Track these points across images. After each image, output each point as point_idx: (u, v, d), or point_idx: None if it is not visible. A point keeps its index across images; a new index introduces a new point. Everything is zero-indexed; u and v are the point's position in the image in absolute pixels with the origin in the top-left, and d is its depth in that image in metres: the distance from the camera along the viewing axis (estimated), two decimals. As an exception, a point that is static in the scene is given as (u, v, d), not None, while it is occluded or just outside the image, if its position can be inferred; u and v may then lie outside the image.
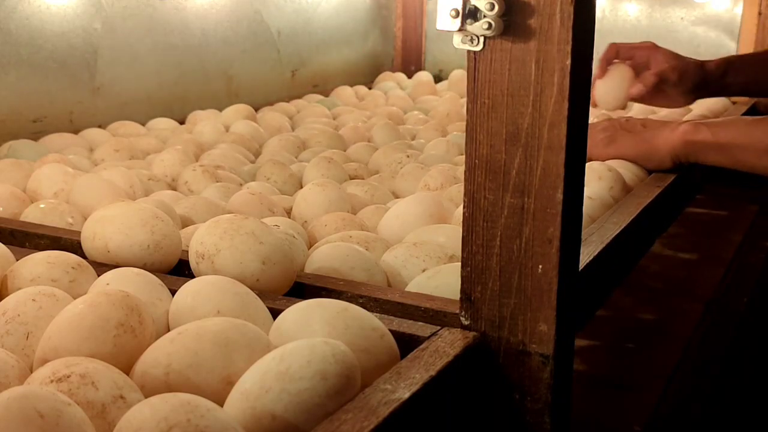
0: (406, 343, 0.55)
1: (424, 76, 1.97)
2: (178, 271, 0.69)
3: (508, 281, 0.54)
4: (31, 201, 0.90)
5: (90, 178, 0.93)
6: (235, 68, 1.63)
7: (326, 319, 0.54)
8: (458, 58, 2.01)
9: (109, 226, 0.68)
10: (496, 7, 0.49)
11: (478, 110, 0.52)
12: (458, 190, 0.92)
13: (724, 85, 1.21)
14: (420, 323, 0.58)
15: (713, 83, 1.20)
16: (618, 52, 1.21)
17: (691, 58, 1.22)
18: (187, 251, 0.67)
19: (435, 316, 0.59)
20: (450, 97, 1.66)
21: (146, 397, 0.46)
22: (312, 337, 0.51)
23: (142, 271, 0.62)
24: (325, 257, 0.70)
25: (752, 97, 1.48)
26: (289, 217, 0.87)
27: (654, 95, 1.17)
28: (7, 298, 0.58)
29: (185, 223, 0.83)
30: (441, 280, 0.66)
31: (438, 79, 2.00)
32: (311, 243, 0.79)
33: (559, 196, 0.51)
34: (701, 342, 0.96)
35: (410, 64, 2.12)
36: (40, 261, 0.64)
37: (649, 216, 0.90)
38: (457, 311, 0.56)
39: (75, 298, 0.56)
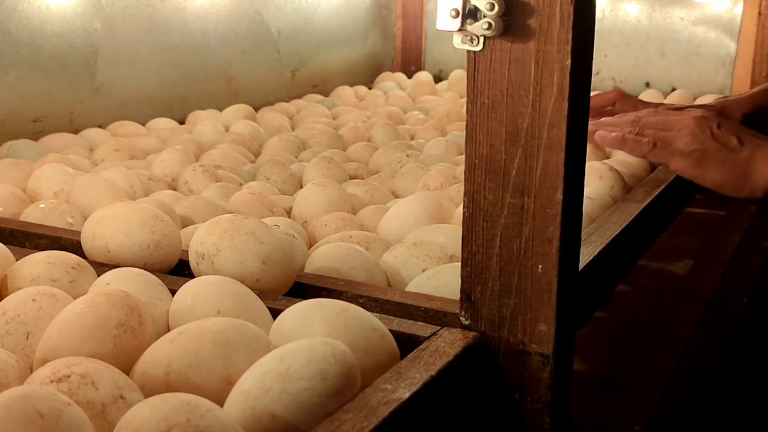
0: (406, 343, 0.55)
1: (424, 76, 1.97)
2: (178, 271, 0.69)
3: (508, 281, 0.54)
4: (31, 201, 0.90)
5: (90, 178, 0.93)
6: (235, 68, 1.63)
7: (326, 319, 0.54)
8: (458, 58, 2.01)
9: (109, 226, 0.68)
10: (496, 7, 0.49)
11: (477, 110, 0.52)
12: (458, 190, 0.92)
13: None
14: (420, 323, 0.58)
15: None
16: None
17: (658, 104, 1.08)
18: (187, 251, 0.67)
19: (435, 316, 0.59)
20: (450, 97, 1.66)
21: (146, 397, 0.46)
22: (312, 337, 0.51)
23: (142, 271, 0.62)
24: (325, 257, 0.70)
25: None
26: (289, 217, 0.87)
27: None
28: (7, 298, 0.58)
29: (185, 223, 0.83)
30: (441, 280, 0.66)
31: (438, 79, 2.00)
32: (311, 243, 0.79)
33: (559, 196, 0.51)
34: (701, 342, 0.96)
35: (410, 64, 2.12)
36: (40, 261, 0.64)
37: (649, 216, 0.90)
38: (457, 311, 0.56)
39: (75, 298, 0.56)
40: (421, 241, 0.74)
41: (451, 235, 0.76)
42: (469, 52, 0.52)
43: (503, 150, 0.52)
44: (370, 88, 1.86)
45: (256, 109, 1.50)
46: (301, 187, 0.98)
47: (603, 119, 1.00)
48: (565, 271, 0.53)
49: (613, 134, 0.93)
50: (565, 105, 0.50)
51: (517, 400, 0.55)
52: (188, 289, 0.59)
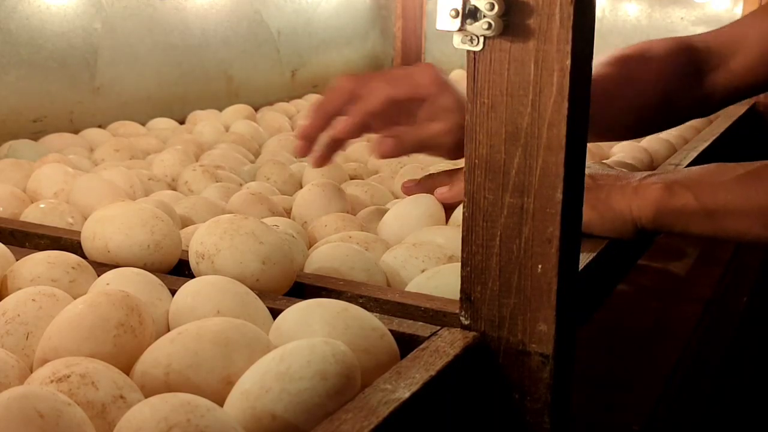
0: (406, 343, 0.55)
1: (424, 76, 1.97)
2: (178, 271, 0.69)
3: (508, 281, 0.54)
4: (31, 201, 0.90)
5: (90, 178, 0.93)
6: (235, 68, 1.63)
7: (326, 319, 0.54)
8: (458, 58, 2.01)
9: (109, 226, 0.68)
10: (496, 7, 0.49)
11: (477, 110, 0.52)
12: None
13: None
14: (420, 323, 0.58)
15: None
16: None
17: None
18: (187, 251, 0.67)
19: (435, 316, 0.59)
20: (450, 97, 1.66)
21: (146, 397, 0.46)
22: (312, 337, 0.51)
23: (142, 271, 0.62)
24: (325, 257, 0.70)
25: None
26: (289, 218, 0.87)
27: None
28: (7, 298, 0.58)
29: (185, 223, 0.83)
30: (440, 280, 0.66)
31: (438, 79, 2.00)
32: (311, 243, 0.79)
33: (559, 195, 0.51)
34: (701, 342, 0.96)
35: (410, 64, 2.12)
36: (40, 261, 0.64)
37: (648, 216, 0.90)
38: (457, 311, 0.56)
39: (75, 298, 0.56)
40: (420, 242, 0.74)
41: (450, 235, 0.76)
42: (469, 52, 0.52)
43: (503, 150, 0.52)
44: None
45: (256, 109, 1.50)
46: (301, 188, 0.98)
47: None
48: (565, 271, 0.53)
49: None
50: (565, 105, 0.50)
51: (517, 400, 0.55)
52: (188, 289, 0.59)
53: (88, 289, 0.62)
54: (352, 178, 1.06)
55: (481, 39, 0.51)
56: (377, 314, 0.58)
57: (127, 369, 0.51)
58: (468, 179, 0.54)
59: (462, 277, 0.55)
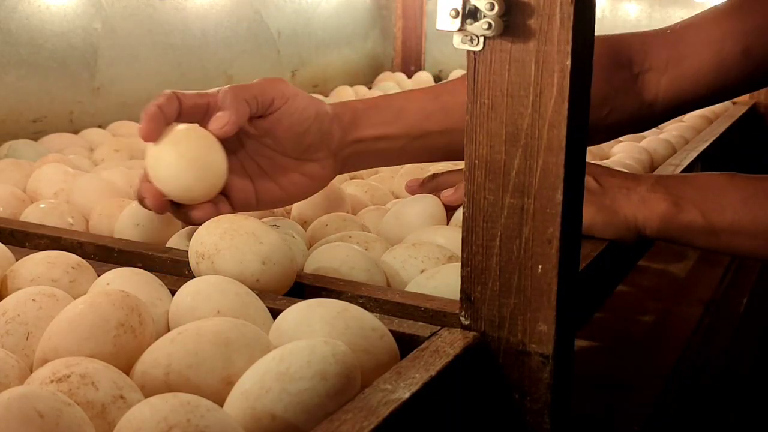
0: (406, 343, 0.55)
1: (424, 77, 1.97)
2: (178, 271, 0.69)
3: (508, 281, 0.54)
4: (31, 201, 0.90)
5: (90, 178, 0.93)
6: (235, 68, 1.63)
7: (326, 319, 0.54)
8: (458, 58, 2.02)
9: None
10: (496, 7, 0.49)
11: (477, 111, 0.53)
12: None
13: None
14: (420, 323, 0.58)
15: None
16: None
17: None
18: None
19: (435, 316, 0.59)
20: (450, 98, 1.66)
21: (146, 397, 0.46)
22: (312, 337, 0.51)
23: (142, 271, 0.62)
24: (325, 257, 0.70)
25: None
26: (289, 217, 0.87)
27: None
28: (7, 298, 0.58)
29: (185, 223, 0.83)
30: (440, 281, 0.66)
31: (438, 79, 2.00)
32: (311, 243, 0.79)
33: (559, 196, 0.51)
34: (701, 342, 0.96)
35: (410, 65, 2.12)
36: (40, 261, 0.64)
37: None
38: (457, 311, 0.56)
39: (75, 298, 0.56)
40: (420, 242, 0.74)
41: (450, 236, 0.76)
42: (469, 52, 0.52)
43: (503, 150, 0.52)
44: (370, 89, 1.86)
45: (256, 109, 1.50)
46: (301, 188, 0.98)
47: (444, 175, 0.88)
48: (565, 271, 0.53)
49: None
50: (565, 106, 0.50)
51: (517, 400, 0.55)
52: (188, 289, 0.59)
53: (88, 289, 0.62)
54: (352, 178, 1.06)
55: (481, 39, 0.51)
56: (377, 314, 0.58)
57: (127, 369, 0.51)
58: (468, 179, 0.54)
59: (462, 277, 0.55)
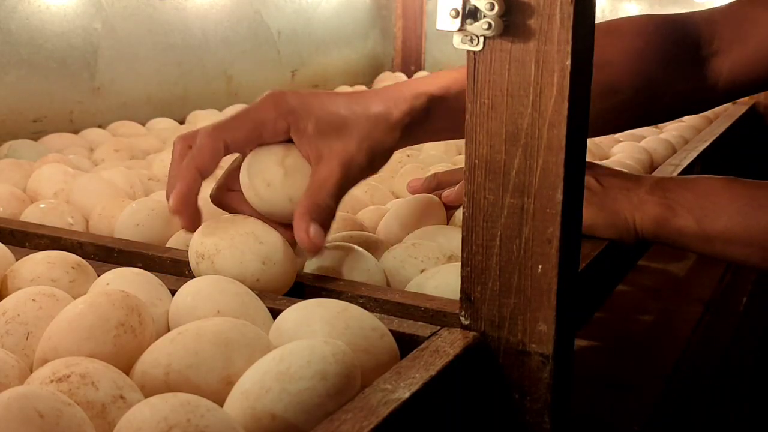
0: (406, 343, 0.55)
1: (424, 76, 1.97)
2: (179, 271, 0.69)
3: (508, 281, 0.54)
4: (31, 201, 0.90)
5: (90, 178, 0.94)
6: (235, 68, 1.63)
7: (326, 319, 0.54)
8: (458, 58, 2.01)
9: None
10: (496, 7, 0.49)
11: (477, 110, 0.53)
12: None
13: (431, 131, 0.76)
14: (420, 323, 0.58)
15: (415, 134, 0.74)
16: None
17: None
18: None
19: (435, 316, 0.59)
20: (450, 97, 1.66)
21: (146, 397, 0.46)
22: (312, 337, 0.51)
23: (142, 271, 0.62)
24: (325, 257, 0.70)
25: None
26: (289, 217, 0.87)
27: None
28: (7, 298, 0.58)
29: (185, 223, 0.83)
30: (440, 280, 0.66)
31: (438, 79, 2.00)
32: (311, 243, 0.79)
33: (559, 196, 0.51)
34: (701, 342, 0.96)
35: (410, 64, 2.12)
36: (40, 261, 0.64)
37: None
38: (457, 311, 0.56)
39: (75, 298, 0.56)
40: (420, 242, 0.74)
41: (450, 235, 0.76)
42: (469, 52, 0.52)
43: (503, 150, 0.52)
44: (370, 88, 1.86)
45: (256, 109, 1.50)
46: (301, 187, 0.98)
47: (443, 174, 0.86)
48: (565, 271, 0.53)
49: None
50: (565, 105, 0.50)
51: (517, 400, 0.55)
52: (188, 289, 0.59)
53: (88, 289, 0.62)
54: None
55: (481, 39, 0.51)
56: (377, 314, 0.58)
57: (127, 369, 0.51)
58: (468, 179, 0.54)
59: (462, 277, 0.55)
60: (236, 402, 0.46)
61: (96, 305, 0.53)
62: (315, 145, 0.69)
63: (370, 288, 0.64)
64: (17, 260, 0.65)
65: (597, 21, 0.53)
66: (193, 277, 0.64)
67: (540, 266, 0.52)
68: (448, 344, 0.53)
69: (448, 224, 0.82)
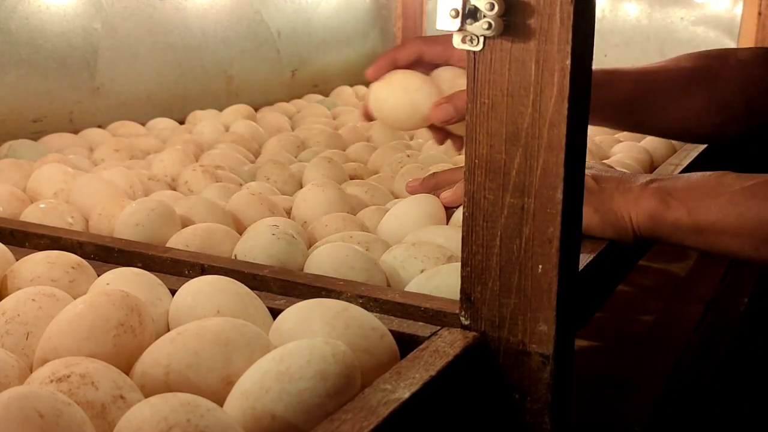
0: (406, 343, 0.55)
1: (423, 76, 1.97)
2: (179, 271, 0.69)
3: (508, 281, 0.54)
4: (31, 201, 0.90)
5: (90, 178, 0.93)
6: (235, 68, 1.63)
7: (326, 319, 0.54)
8: (458, 58, 2.01)
9: None
10: (496, 7, 0.49)
11: (477, 110, 0.52)
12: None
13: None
14: (420, 323, 0.58)
15: None
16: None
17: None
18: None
19: (435, 316, 0.59)
20: (450, 97, 1.66)
21: (146, 397, 0.46)
22: (312, 337, 0.51)
23: (142, 271, 0.62)
24: (325, 257, 0.70)
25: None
26: (289, 218, 0.87)
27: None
28: (7, 298, 0.58)
29: (185, 223, 0.83)
30: (441, 280, 0.66)
31: (438, 79, 2.00)
32: (311, 243, 0.79)
33: (559, 196, 0.51)
34: (701, 342, 0.96)
35: (410, 64, 2.12)
36: (40, 261, 0.64)
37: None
38: (457, 311, 0.56)
39: (75, 298, 0.56)
40: (420, 242, 0.74)
41: (450, 236, 0.76)
42: (469, 52, 0.52)
43: (503, 150, 0.52)
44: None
45: (256, 109, 1.50)
46: (301, 188, 0.98)
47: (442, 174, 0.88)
48: (565, 271, 0.53)
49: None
50: (565, 105, 0.50)
51: (517, 400, 0.55)
52: (188, 289, 0.59)
53: (88, 289, 0.62)
54: (352, 178, 1.06)
55: (481, 39, 0.51)
56: (377, 314, 0.58)
57: (127, 369, 0.51)
58: (468, 179, 0.54)
59: (462, 277, 0.55)
60: (236, 402, 0.46)
61: (96, 305, 0.53)
62: None
63: (370, 288, 0.64)
64: (17, 260, 0.65)
65: (597, 21, 0.52)
66: (192, 277, 0.64)
67: (540, 266, 0.52)
68: (448, 344, 0.53)
69: (448, 224, 0.82)
